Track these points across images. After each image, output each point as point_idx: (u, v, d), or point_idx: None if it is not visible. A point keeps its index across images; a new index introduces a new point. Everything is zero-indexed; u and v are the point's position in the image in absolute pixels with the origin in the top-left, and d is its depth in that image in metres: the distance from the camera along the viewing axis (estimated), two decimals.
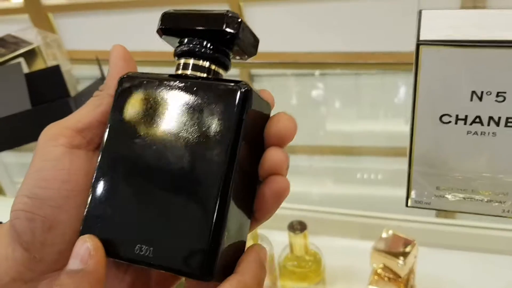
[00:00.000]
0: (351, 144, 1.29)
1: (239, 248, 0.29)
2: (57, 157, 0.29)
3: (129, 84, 0.30)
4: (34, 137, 0.60)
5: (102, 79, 0.67)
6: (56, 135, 0.29)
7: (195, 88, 0.29)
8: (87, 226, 0.29)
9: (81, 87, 0.71)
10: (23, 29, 0.69)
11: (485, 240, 0.79)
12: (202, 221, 0.27)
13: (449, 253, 0.80)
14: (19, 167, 1.19)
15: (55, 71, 0.62)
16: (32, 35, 0.69)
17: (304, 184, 1.17)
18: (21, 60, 0.64)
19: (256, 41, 0.32)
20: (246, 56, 0.32)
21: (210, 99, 0.28)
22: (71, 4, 1.41)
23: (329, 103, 1.37)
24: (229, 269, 0.28)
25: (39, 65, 0.67)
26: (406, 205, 0.43)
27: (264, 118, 0.30)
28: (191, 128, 0.28)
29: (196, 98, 0.29)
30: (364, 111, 1.35)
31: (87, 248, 0.27)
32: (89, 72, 0.72)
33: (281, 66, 0.76)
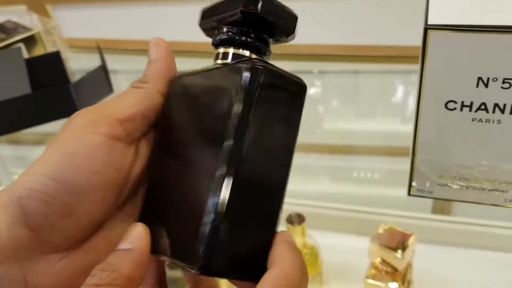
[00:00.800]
0: (349, 143, 1.29)
1: (264, 242, 0.27)
2: (95, 146, 0.27)
3: (180, 85, 0.30)
4: (34, 122, 0.60)
5: (103, 67, 0.66)
6: (97, 122, 0.28)
7: (218, 74, 0.28)
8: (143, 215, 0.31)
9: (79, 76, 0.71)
10: (23, 15, 0.69)
11: (482, 237, 0.80)
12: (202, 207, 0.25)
13: (446, 249, 0.80)
14: (14, 160, 1.19)
15: (55, 57, 0.62)
16: (32, 22, 0.69)
17: (301, 182, 1.17)
18: (21, 45, 0.64)
19: (291, 18, 0.30)
20: (284, 37, 0.30)
21: (224, 81, 0.27)
22: None
23: (327, 102, 1.36)
24: (255, 265, 0.26)
25: (39, 51, 0.67)
26: (409, 194, 0.43)
27: (293, 99, 0.28)
28: (207, 115, 0.27)
29: (216, 83, 0.28)
30: (362, 110, 1.35)
31: (137, 232, 0.27)
32: (87, 63, 0.71)
33: (284, 57, 0.76)
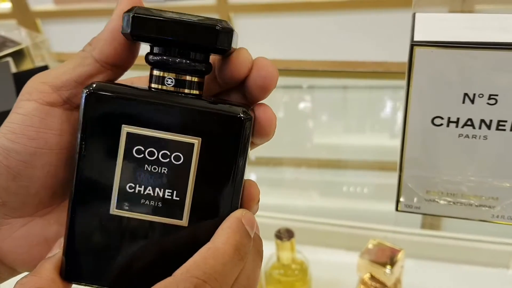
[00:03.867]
0: (338, 157, 1.30)
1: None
2: (27, 112, 0.28)
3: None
4: None
5: None
6: (32, 88, 0.28)
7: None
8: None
9: None
10: (11, 29, 0.68)
11: (471, 252, 0.80)
12: None
13: (434, 264, 0.80)
14: None
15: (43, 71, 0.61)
16: (20, 36, 0.69)
17: (290, 196, 1.17)
18: (9, 60, 0.63)
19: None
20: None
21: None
22: (59, 11, 1.41)
23: (317, 116, 1.37)
24: None
25: (27, 65, 0.67)
26: (396, 209, 0.43)
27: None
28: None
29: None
30: (351, 125, 1.35)
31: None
32: None
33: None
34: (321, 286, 0.75)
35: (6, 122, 0.28)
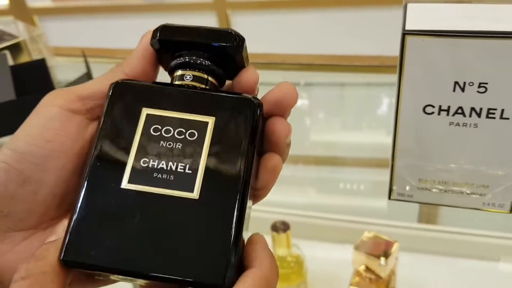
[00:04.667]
0: (335, 155, 1.30)
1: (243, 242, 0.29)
2: (49, 116, 0.29)
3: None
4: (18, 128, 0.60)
5: (88, 74, 0.67)
6: (56, 96, 0.29)
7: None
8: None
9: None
10: (9, 23, 0.69)
11: (466, 246, 0.80)
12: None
13: (430, 258, 0.80)
14: None
15: (41, 64, 0.62)
16: (18, 30, 0.69)
17: (287, 193, 1.17)
18: (7, 52, 0.64)
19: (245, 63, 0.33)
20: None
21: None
22: (56, 8, 1.41)
23: (314, 113, 1.38)
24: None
25: (24, 59, 0.67)
26: (389, 198, 0.44)
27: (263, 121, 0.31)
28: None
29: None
30: (348, 122, 1.36)
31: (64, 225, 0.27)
32: (72, 72, 0.72)
33: (269, 67, 0.77)
34: (317, 278, 0.76)
35: (25, 125, 0.29)
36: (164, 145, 0.28)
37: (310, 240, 0.82)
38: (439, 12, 0.37)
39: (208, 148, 0.28)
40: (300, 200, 1.14)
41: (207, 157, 0.28)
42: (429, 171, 0.41)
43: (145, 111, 0.29)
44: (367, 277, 0.66)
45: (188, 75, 0.31)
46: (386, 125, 1.25)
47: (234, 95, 0.30)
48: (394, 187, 0.43)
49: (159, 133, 0.29)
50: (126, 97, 0.29)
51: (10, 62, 0.64)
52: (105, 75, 0.31)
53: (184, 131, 0.29)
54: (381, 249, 0.65)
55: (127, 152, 0.28)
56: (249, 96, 0.30)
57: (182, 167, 0.28)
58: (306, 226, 0.86)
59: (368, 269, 0.66)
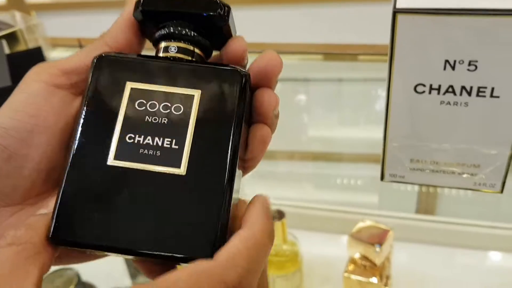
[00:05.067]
0: (333, 150, 1.30)
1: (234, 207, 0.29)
2: (32, 91, 0.28)
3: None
4: None
5: None
6: (40, 71, 0.29)
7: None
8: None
9: None
10: (5, 12, 0.69)
11: (462, 236, 0.81)
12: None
13: (426, 248, 0.81)
14: None
15: (37, 53, 0.62)
16: (14, 20, 0.69)
17: (284, 188, 1.18)
18: (3, 41, 0.64)
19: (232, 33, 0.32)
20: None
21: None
22: (55, 3, 1.42)
23: (311, 109, 1.38)
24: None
25: (20, 48, 0.67)
26: (381, 179, 0.44)
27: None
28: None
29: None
30: (345, 118, 1.36)
31: None
32: None
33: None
34: (312, 266, 0.76)
35: (10, 100, 0.28)
36: (150, 120, 0.28)
37: (306, 230, 0.83)
38: None
39: (194, 123, 0.28)
40: (298, 196, 1.14)
41: (194, 132, 0.28)
42: (420, 151, 0.41)
43: (129, 85, 0.28)
44: (362, 265, 0.66)
45: (173, 46, 0.30)
46: (383, 121, 1.25)
47: (220, 67, 0.29)
48: (386, 168, 0.43)
49: (144, 107, 0.28)
50: (110, 71, 0.29)
51: (7, 50, 0.65)
52: (88, 48, 0.31)
53: (169, 105, 0.28)
54: (376, 237, 0.65)
55: (112, 128, 0.28)
56: (236, 67, 0.29)
57: (169, 143, 0.28)
58: (302, 217, 0.87)
59: (363, 256, 0.66)
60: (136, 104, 0.28)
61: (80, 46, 0.68)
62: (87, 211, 0.27)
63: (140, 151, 0.28)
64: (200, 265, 0.24)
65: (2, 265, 0.24)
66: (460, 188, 0.42)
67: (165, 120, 0.28)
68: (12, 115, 0.28)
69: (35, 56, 0.63)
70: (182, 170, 0.27)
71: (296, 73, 1.21)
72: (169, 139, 0.28)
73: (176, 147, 0.28)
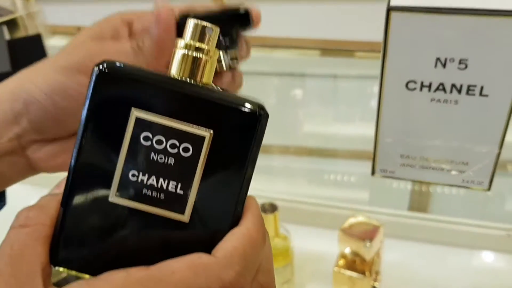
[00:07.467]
0: (327, 146, 1.31)
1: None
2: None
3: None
4: None
5: None
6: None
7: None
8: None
9: None
10: None
11: (453, 235, 0.82)
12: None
13: (417, 245, 0.81)
14: None
15: (36, 39, 0.63)
16: (15, 6, 0.70)
17: (278, 183, 1.18)
18: (4, 27, 0.64)
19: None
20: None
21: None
22: None
23: (307, 105, 1.39)
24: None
25: (20, 35, 0.68)
26: (372, 174, 0.45)
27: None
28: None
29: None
30: (341, 114, 1.37)
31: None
32: None
33: (261, 50, 0.78)
34: (303, 260, 0.77)
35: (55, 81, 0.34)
36: (155, 158, 0.26)
37: (298, 224, 0.84)
38: None
39: (202, 168, 0.26)
40: (292, 191, 1.15)
41: (201, 178, 0.26)
42: (411, 147, 0.42)
43: (135, 113, 0.25)
44: (352, 260, 0.67)
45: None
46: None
47: (237, 104, 0.26)
48: (377, 164, 0.44)
49: (149, 142, 0.26)
50: (113, 90, 0.26)
51: (7, 36, 0.65)
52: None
53: (177, 144, 0.26)
54: (366, 232, 0.66)
55: (115, 161, 0.26)
56: (254, 106, 0.26)
57: (174, 187, 0.26)
58: (295, 211, 0.87)
59: (353, 251, 0.67)
60: (141, 137, 0.26)
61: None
62: (86, 244, 0.26)
63: (143, 191, 0.26)
64: (198, 259, 0.25)
65: (13, 245, 0.24)
66: (448, 185, 0.43)
67: (171, 160, 0.26)
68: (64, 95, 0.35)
69: (35, 43, 0.63)
70: (185, 217, 0.26)
71: (292, 68, 1.21)
72: (174, 183, 0.26)
73: (181, 192, 0.26)
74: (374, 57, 0.77)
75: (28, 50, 0.63)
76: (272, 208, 0.69)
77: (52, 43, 0.76)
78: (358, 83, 1.33)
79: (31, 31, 0.71)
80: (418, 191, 0.93)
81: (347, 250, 0.68)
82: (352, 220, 0.68)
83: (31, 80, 0.35)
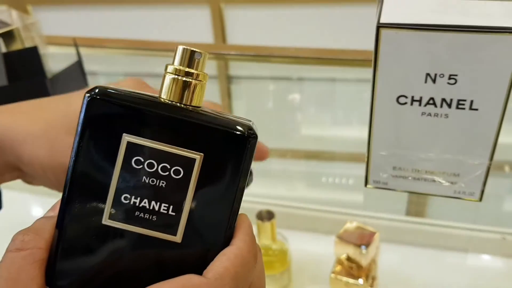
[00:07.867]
0: (325, 149, 1.31)
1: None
2: None
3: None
4: None
5: (79, 63, 0.68)
6: None
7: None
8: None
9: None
10: (2, 11, 0.70)
11: (450, 239, 0.82)
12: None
13: (414, 250, 0.82)
14: None
15: (33, 52, 0.63)
16: (11, 18, 0.70)
17: (275, 187, 1.19)
18: (0, 40, 0.65)
19: None
20: None
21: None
22: None
23: (305, 108, 1.39)
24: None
25: (16, 47, 0.68)
26: (365, 185, 0.46)
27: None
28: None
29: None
30: (338, 117, 1.38)
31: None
32: (64, 61, 0.73)
33: (256, 59, 0.79)
34: (300, 266, 0.78)
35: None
36: (147, 181, 0.27)
37: (295, 230, 0.84)
38: (413, 6, 0.38)
39: (193, 189, 0.27)
40: (290, 194, 1.15)
41: (193, 199, 0.27)
42: (403, 159, 0.43)
43: (126, 138, 0.26)
44: (349, 266, 0.68)
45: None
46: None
47: (226, 127, 0.27)
48: (369, 175, 0.45)
49: (141, 166, 0.26)
50: (104, 116, 0.26)
51: (3, 49, 0.65)
52: None
53: (168, 167, 0.26)
54: (362, 238, 0.67)
55: (107, 185, 0.27)
56: (244, 128, 0.27)
57: (166, 208, 0.27)
58: (291, 217, 0.88)
59: (349, 257, 0.68)
60: (133, 161, 0.26)
61: (76, 45, 0.69)
62: (79, 267, 0.27)
63: (136, 213, 0.27)
64: (189, 282, 0.25)
65: (9, 268, 0.25)
66: (440, 196, 0.44)
67: (163, 183, 0.27)
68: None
69: (31, 55, 0.63)
70: (177, 238, 0.27)
71: (290, 73, 1.22)
72: (166, 205, 0.27)
73: (173, 214, 0.27)
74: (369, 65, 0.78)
75: (24, 63, 0.63)
76: (269, 215, 0.69)
77: (48, 53, 0.76)
78: (355, 87, 1.34)
79: (27, 43, 0.71)
80: (415, 195, 0.94)
81: (344, 256, 0.68)
82: (347, 226, 0.69)
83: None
